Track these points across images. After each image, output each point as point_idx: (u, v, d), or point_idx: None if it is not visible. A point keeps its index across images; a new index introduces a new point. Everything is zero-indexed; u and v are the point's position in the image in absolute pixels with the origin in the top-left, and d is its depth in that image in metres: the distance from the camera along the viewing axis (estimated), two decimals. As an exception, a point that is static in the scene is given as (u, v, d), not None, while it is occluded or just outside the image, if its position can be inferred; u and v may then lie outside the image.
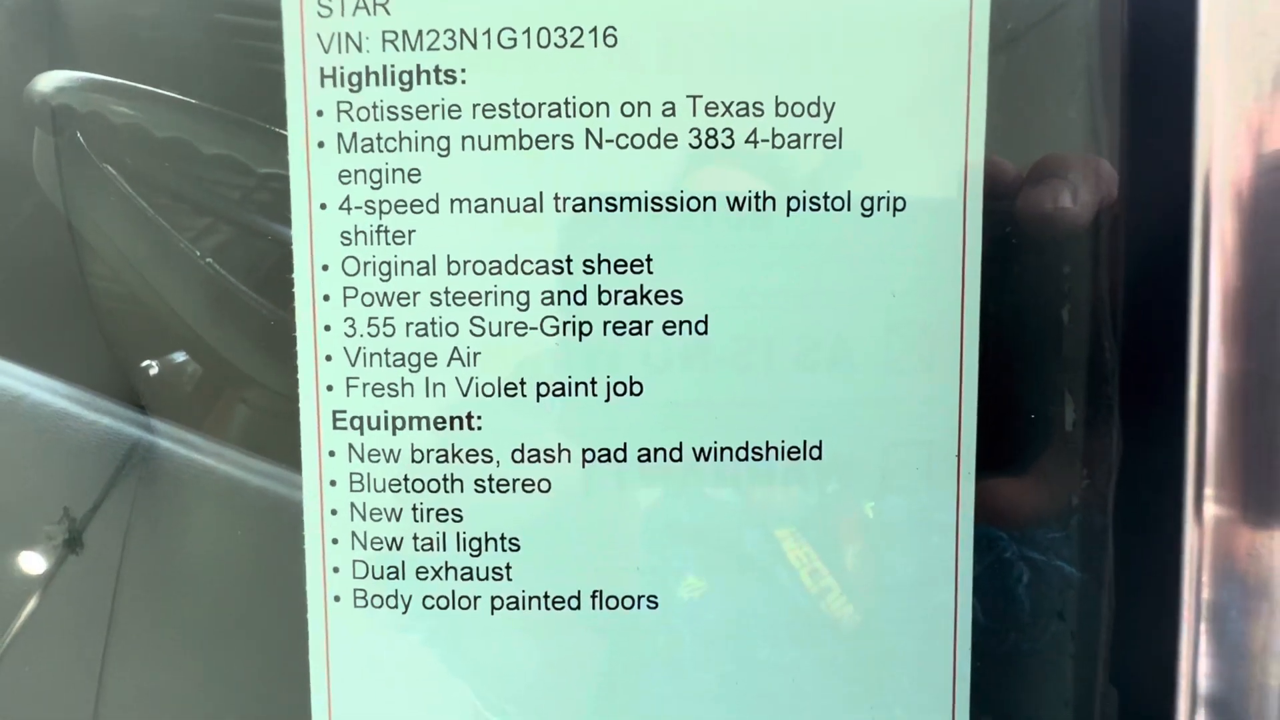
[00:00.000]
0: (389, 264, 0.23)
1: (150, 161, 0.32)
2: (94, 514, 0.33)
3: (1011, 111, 0.24)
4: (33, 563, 0.34)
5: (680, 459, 0.23)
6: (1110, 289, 0.25)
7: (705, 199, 0.23)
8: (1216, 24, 0.23)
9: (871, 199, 0.23)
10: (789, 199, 0.23)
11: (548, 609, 0.24)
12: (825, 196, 0.23)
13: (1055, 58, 0.25)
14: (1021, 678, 0.26)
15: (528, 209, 0.23)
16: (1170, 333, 0.23)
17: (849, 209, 0.23)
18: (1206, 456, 0.23)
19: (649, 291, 0.23)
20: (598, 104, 0.22)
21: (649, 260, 0.23)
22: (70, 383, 0.35)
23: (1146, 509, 0.25)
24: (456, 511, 0.24)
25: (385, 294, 0.23)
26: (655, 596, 0.24)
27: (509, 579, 0.24)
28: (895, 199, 0.23)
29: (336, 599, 0.24)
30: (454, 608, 0.24)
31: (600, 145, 0.23)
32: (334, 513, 0.24)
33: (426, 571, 0.24)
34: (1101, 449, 0.25)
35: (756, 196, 0.23)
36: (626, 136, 0.23)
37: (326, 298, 0.23)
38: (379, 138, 0.23)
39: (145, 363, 0.34)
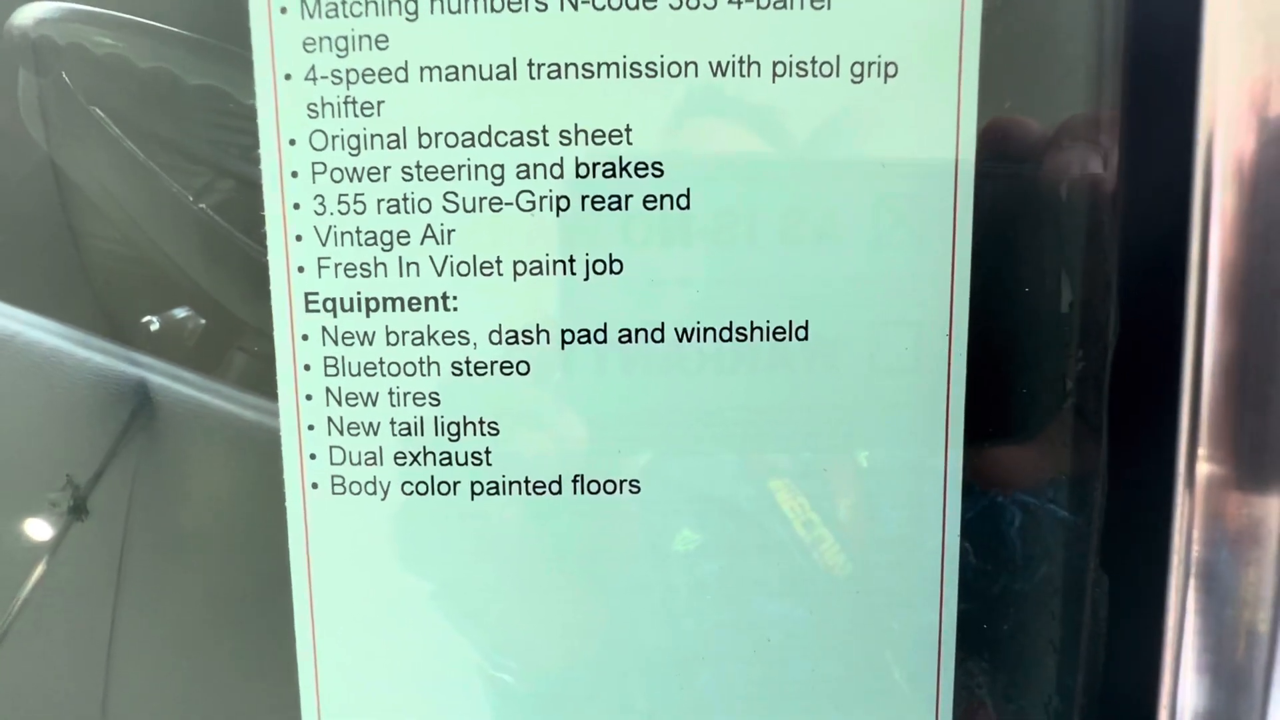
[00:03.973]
0: (358, 137, 0.22)
1: (135, 98, 0.31)
2: (98, 480, 0.33)
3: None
4: (38, 529, 0.34)
5: (662, 340, 0.23)
6: (1111, 219, 0.24)
7: (686, 64, 0.22)
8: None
9: (862, 64, 0.22)
10: (774, 64, 0.22)
11: (528, 494, 0.23)
12: (813, 61, 0.22)
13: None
14: (1010, 622, 0.26)
15: (500, 76, 0.22)
16: (1169, 293, 0.22)
17: (838, 75, 0.22)
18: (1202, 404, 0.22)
19: (628, 164, 0.22)
20: (572, -38, 0.21)
21: (628, 130, 0.22)
22: (65, 323, 0.34)
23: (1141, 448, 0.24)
24: (434, 395, 0.23)
25: (355, 169, 0.22)
26: (637, 481, 0.23)
27: (488, 463, 0.23)
28: (886, 64, 0.22)
29: (314, 486, 0.24)
30: (433, 493, 0.24)
31: (575, 7, 0.21)
32: (309, 398, 0.23)
33: (405, 457, 0.23)
34: (1098, 327, 0.24)
35: (740, 61, 0.22)
36: (603, -3, 0.21)
37: (294, 174, 0.23)
38: (344, 1, 0.22)
39: (146, 318, 0.33)
